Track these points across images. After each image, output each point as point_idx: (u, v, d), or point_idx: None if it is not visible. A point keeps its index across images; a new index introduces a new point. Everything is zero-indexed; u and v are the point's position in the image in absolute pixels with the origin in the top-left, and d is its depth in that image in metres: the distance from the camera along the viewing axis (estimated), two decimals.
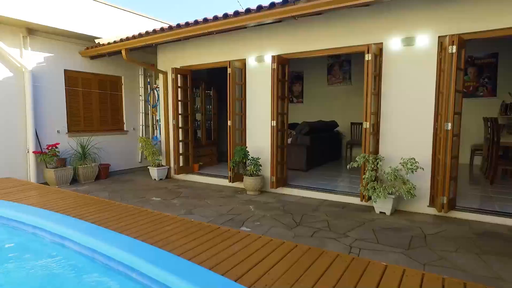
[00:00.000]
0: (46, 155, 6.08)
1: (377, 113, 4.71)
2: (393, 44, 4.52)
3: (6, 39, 5.78)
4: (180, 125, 6.88)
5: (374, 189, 4.30)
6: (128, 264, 2.06)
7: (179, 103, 6.83)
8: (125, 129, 7.91)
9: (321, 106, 10.13)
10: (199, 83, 7.84)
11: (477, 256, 3.06)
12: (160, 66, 7.20)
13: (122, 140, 7.80)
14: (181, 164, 6.96)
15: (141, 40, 5.95)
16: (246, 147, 5.85)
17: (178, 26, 5.43)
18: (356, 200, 4.92)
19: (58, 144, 6.27)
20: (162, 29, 5.67)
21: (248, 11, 4.65)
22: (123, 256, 2.10)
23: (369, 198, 4.52)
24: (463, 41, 3.99)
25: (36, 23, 5.79)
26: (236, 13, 4.78)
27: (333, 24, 4.96)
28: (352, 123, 9.50)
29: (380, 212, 4.43)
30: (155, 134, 8.00)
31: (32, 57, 6.13)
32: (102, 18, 6.84)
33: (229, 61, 5.80)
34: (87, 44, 6.83)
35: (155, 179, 6.91)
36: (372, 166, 4.38)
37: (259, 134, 5.86)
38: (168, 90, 7.03)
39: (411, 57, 4.41)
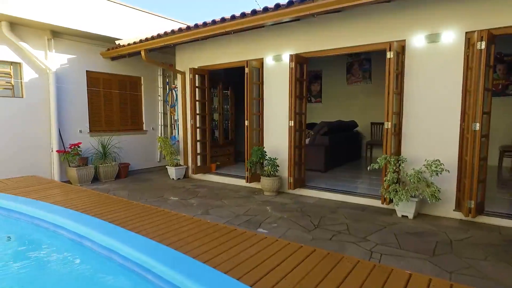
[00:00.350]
0: (69, 154, 6.25)
1: (399, 113, 4.54)
2: (417, 41, 4.34)
3: (31, 41, 5.98)
4: (197, 125, 6.91)
5: (396, 191, 4.15)
6: (143, 265, 2.05)
7: (197, 103, 6.86)
8: (144, 128, 8.03)
9: (340, 105, 9.93)
10: (216, 83, 7.86)
11: (508, 265, 2.88)
12: (178, 66, 7.25)
13: (141, 139, 7.92)
14: (198, 164, 6.99)
15: (160, 40, 6.01)
16: (264, 147, 5.80)
17: (196, 26, 5.44)
18: (376, 203, 4.76)
19: (80, 143, 6.43)
20: (180, 30, 5.69)
21: (266, 9, 4.59)
22: (138, 257, 2.10)
23: (391, 201, 4.37)
24: (492, 37, 3.77)
25: (60, 26, 5.96)
26: (254, 12, 4.73)
27: (353, 21, 4.82)
28: (372, 123, 9.26)
29: (402, 216, 4.26)
30: (174, 134, 8.08)
31: (56, 59, 6.32)
32: (122, 19, 6.96)
33: (247, 61, 5.76)
34: (108, 45, 6.97)
35: (173, 179, 6.97)
36: (394, 167, 4.23)
37: (276, 134, 5.79)
38: (186, 90, 7.07)
39: (436, 54, 4.22)
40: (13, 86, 5.89)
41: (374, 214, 4.41)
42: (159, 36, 5.98)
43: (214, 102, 8.03)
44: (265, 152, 5.69)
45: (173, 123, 8.17)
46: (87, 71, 6.85)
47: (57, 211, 3.00)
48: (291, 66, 5.26)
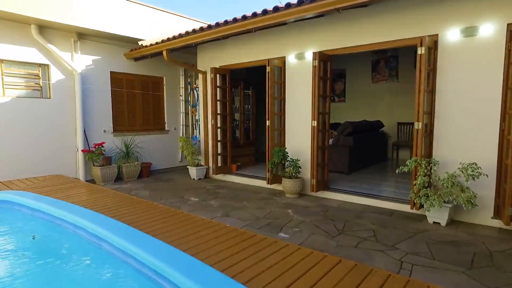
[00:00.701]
0: (93, 154, 6.36)
1: (430, 113, 4.26)
2: (451, 35, 4.04)
3: (59, 43, 6.13)
4: (218, 125, 6.85)
5: (427, 196, 3.88)
6: (159, 271, 1.96)
7: (218, 102, 6.80)
8: (166, 128, 8.08)
9: (365, 105, 9.59)
10: (238, 83, 7.78)
11: None
12: (199, 66, 7.23)
13: (163, 139, 7.98)
14: (219, 164, 6.93)
15: (181, 40, 5.99)
16: (285, 148, 5.64)
17: (217, 24, 5.37)
18: (405, 207, 4.50)
19: (104, 143, 6.54)
20: (201, 29, 5.65)
21: (288, 6, 4.44)
22: (154, 263, 2.02)
23: (421, 206, 4.09)
24: None
25: (85, 28, 6.07)
26: (276, 9, 4.59)
27: (381, 15, 4.57)
28: (399, 123, 8.88)
29: (434, 222, 3.99)
30: (195, 134, 8.07)
31: (81, 60, 6.45)
32: (145, 20, 7.02)
33: (268, 59, 5.63)
34: (131, 46, 7.06)
35: (194, 179, 6.96)
36: (425, 171, 3.96)
37: (298, 134, 5.62)
38: (207, 90, 7.03)
39: (472, 49, 3.91)
40: (41, 87, 6.07)
41: (402, 219, 4.16)
42: (180, 35, 5.96)
43: (235, 102, 7.95)
44: (287, 153, 5.54)
45: (194, 123, 8.17)
46: (111, 71, 6.96)
47: (77, 212, 3.00)
48: (314, 64, 5.07)
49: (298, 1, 4.31)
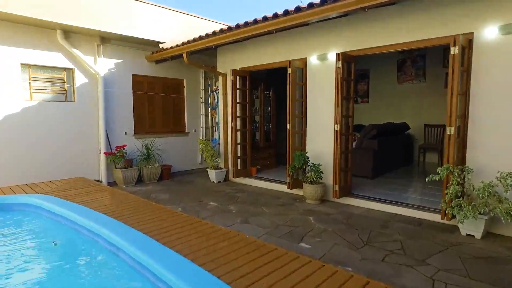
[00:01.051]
0: (115, 156, 6.44)
1: (463, 116, 3.98)
2: (488, 33, 3.75)
3: (83, 48, 6.24)
4: (238, 127, 6.77)
5: (461, 207, 3.61)
6: (173, 286, 1.88)
7: (238, 105, 6.72)
8: (186, 130, 8.10)
9: (390, 106, 9.23)
10: (258, 84, 7.66)
11: None
12: (220, 68, 7.18)
13: (183, 141, 7.99)
14: (238, 167, 6.85)
15: (201, 42, 5.95)
16: (306, 152, 5.47)
17: (237, 26, 5.28)
18: (434, 217, 4.23)
19: (125, 145, 6.61)
20: (221, 31, 5.58)
21: (311, 5, 4.27)
22: (169, 278, 1.94)
23: (453, 217, 3.83)
24: None
25: (108, 32, 6.15)
26: (298, 9, 4.43)
27: (409, 13, 4.32)
28: (426, 125, 8.47)
29: (467, 235, 3.71)
30: (214, 136, 8.04)
31: (104, 64, 6.55)
32: (165, 22, 7.03)
33: (289, 61, 5.48)
34: (151, 48, 7.10)
35: (213, 182, 6.91)
36: (458, 179, 3.69)
37: (320, 138, 5.44)
38: (227, 92, 6.97)
39: None
40: (66, 91, 6.20)
41: (432, 230, 3.90)
42: (200, 38, 5.92)
43: (255, 104, 7.85)
44: (308, 157, 5.37)
45: (214, 125, 8.14)
46: (132, 74, 7.03)
47: (96, 219, 2.99)
48: (337, 66, 4.88)
49: (321, 1, 4.14)
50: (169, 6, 7.11)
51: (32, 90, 5.79)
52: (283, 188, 5.96)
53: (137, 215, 3.20)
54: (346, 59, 4.92)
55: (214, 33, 5.68)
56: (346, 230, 3.96)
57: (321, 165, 5.20)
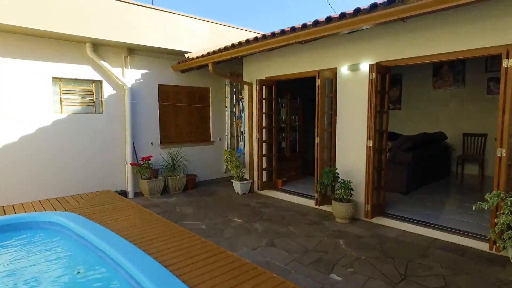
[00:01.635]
0: (141, 167, 6.46)
1: None
2: None
3: (110, 60, 6.31)
4: (264, 138, 6.58)
5: None
6: None
7: (264, 115, 6.54)
8: (211, 139, 8.02)
9: (424, 113, 8.72)
10: (284, 93, 7.43)
11: None
12: (245, 77, 7.03)
13: (208, 150, 7.92)
14: (264, 179, 6.67)
15: (227, 53, 5.82)
16: (336, 169, 5.18)
17: (264, 37, 5.09)
18: (481, 245, 3.84)
19: (151, 156, 6.61)
20: (247, 41, 5.41)
21: (343, 16, 4.00)
22: None
23: (503, 248, 3.43)
24: None
25: (135, 44, 6.17)
26: (329, 19, 4.17)
27: (453, 21, 3.94)
28: (464, 134, 7.90)
29: None
30: (239, 146, 7.90)
31: (131, 75, 6.59)
32: (190, 31, 6.96)
33: (318, 71, 5.22)
34: (177, 58, 7.07)
35: (238, 193, 6.78)
36: (510, 209, 3.30)
37: (351, 153, 5.14)
38: (252, 102, 6.80)
39: None
40: (94, 102, 6.28)
41: (479, 263, 3.52)
42: (226, 48, 5.79)
43: (281, 113, 7.63)
44: (338, 174, 5.09)
45: (239, 134, 8.00)
46: (158, 84, 7.03)
47: (117, 246, 2.90)
48: (371, 78, 4.57)
49: (354, 11, 3.85)
50: (194, 15, 7.03)
51: (63, 103, 5.91)
52: (311, 203, 5.71)
53: (164, 241, 3.09)
54: (380, 70, 4.60)
55: (240, 43, 5.53)
56: (380, 258, 3.66)
57: (351, 182, 4.90)
